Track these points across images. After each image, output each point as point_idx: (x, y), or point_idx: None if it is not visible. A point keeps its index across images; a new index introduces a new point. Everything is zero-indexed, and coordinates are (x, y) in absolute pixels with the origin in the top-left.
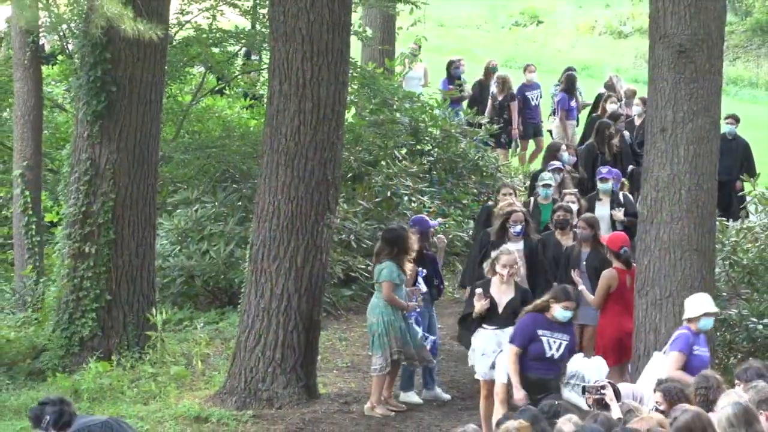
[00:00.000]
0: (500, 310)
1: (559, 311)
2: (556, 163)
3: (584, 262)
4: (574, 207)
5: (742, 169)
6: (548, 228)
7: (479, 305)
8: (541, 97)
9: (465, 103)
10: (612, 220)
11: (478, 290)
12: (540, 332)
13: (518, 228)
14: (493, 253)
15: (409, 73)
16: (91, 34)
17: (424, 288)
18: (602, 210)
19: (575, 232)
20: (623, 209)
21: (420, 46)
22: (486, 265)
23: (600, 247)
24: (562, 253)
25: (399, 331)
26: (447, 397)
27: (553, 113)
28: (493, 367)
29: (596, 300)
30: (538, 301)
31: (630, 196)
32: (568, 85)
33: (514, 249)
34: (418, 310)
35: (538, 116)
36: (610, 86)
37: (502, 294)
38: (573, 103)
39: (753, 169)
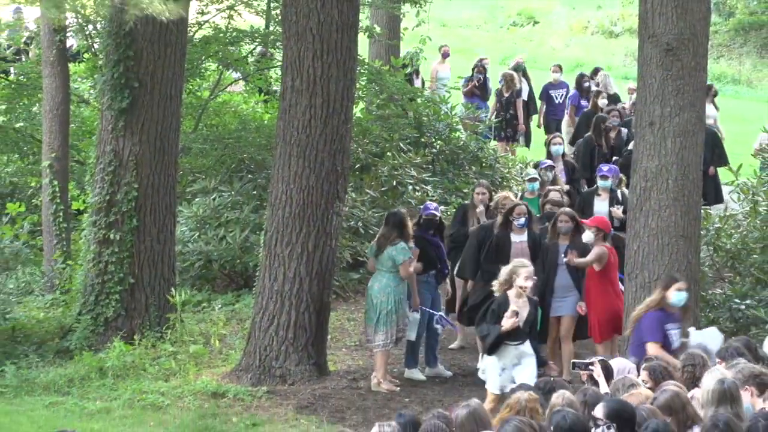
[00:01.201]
0: (521, 325)
1: (675, 294)
2: (548, 162)
3: (563, 255)
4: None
5: (714, 156)
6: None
7: (511, 323)
8: (567, 95)
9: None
10: (611, 217)
11: (513, 308)
12: (667, 327)
13: (522, 220)
14: (505, 269)
15: (439, 73)
16: (125, 22)
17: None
18: (601, 206)
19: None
20: (622, 207)
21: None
22: (496, 284)
23: (578, 240)
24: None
25: (404, 312)
26: (449, 374)
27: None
28: (513, 381)
29: (588, 261)
30: (653, 299)
31: (626, 193)
32: (577, 84)
33: (518, 240)
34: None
35: (561, 113)
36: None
37: (521, 309)
38: (584, 101)
39: (724, 155)
